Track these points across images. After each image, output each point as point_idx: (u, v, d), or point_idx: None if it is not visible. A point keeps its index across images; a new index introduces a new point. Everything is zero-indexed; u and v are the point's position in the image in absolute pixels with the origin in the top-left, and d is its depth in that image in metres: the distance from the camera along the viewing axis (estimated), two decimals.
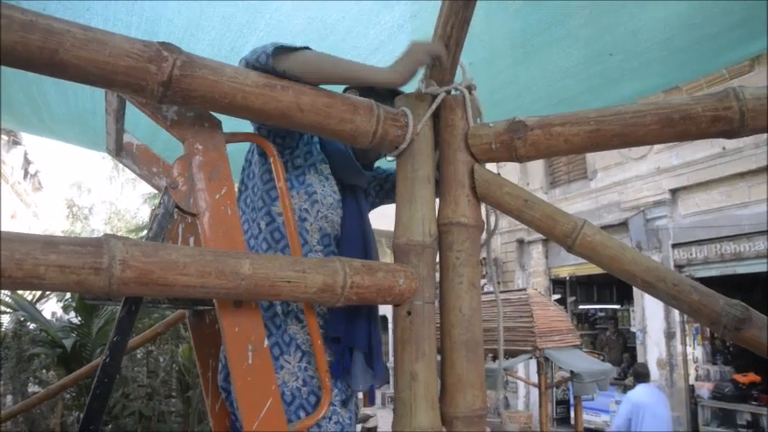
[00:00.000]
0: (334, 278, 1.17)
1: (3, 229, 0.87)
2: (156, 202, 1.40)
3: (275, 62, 1.21)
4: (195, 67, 1.10)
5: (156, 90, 1.08)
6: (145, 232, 1.62)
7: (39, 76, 2.14)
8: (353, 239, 1.48)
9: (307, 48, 1.27)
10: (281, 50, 1.23)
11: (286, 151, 1.47)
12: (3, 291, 5.44)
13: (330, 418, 1.36)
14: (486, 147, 1.37)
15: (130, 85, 1.06)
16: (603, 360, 6.01)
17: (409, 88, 1.45)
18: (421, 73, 1.48)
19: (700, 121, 1.24)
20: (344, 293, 1.19)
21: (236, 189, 1.61)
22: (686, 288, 1.23)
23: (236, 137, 1.35)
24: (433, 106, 1.40)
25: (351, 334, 1.40)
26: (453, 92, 1.44)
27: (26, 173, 26.52)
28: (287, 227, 1.36)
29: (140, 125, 2.09)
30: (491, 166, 1.46)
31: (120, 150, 1.66)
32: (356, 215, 1.54)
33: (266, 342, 1.20)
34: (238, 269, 1.05)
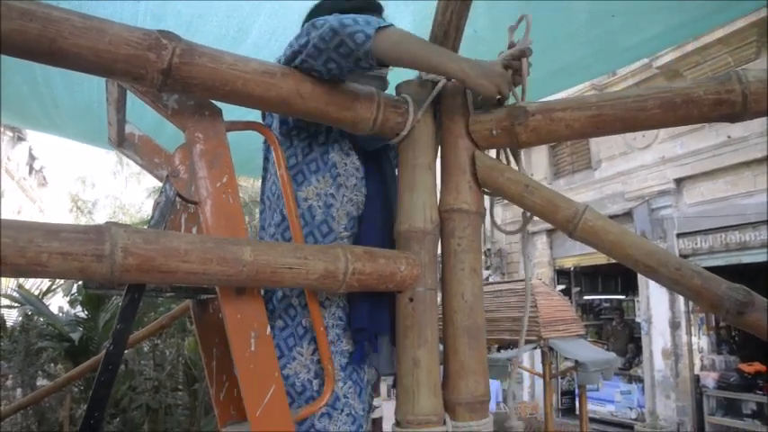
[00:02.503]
0: (335, 265, 1.18)
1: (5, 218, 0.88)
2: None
3: (375, 43, 1.17)
4: (195, 54, 1.11)
5: (155, 78, 1.08)
6: None
7: (45, 66, 2.15)
8: (373, 220, 1.45)
9: (390, 25, 1.22)
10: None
11: (311, 127, 1.44)
12: (10, 286, 5.48)
13: (342, 410, 1.36)
14: (486, 133, 1.37)
15: (130, 73, 1.07)
16: (608, 349, 6.01)
17: (410, 74, 1.44)
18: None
19: (702, 104, 1.23)
20: (346, 280, 1.19)
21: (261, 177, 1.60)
22: (688, 272, 1.23)
23: (236, 125, 1.35)
24: (434, 93, 1.39)
25: (375, 321, 1.39)
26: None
27: (31, 169, 26.61)
28: (288, 215, 1.36)
29: (146, 117, 2.10)
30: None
31: (122, 141, 1.66)
32: (379, 192, 1.48)
33: (268, 329, 1.21)
34: (240, 256, 1.06)
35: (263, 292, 1.40)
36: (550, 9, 1.97)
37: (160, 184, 1.67)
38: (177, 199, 1.22)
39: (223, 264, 1.04)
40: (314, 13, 1.49)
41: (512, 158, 1.43)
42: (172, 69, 1.08)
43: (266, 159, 1.55)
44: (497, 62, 1.31)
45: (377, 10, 1.51)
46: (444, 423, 1.27)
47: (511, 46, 1.35)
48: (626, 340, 9.97)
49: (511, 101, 1.38)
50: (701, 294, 1.23)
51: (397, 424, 1.27)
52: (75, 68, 1.04)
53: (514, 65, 1.32)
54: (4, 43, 0.93)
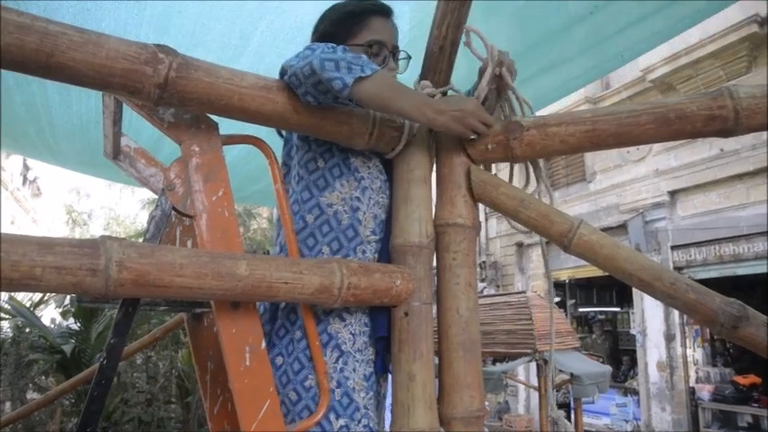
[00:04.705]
0: (331, 279, 1.17)
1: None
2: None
3: (352, 92, 1.18)
4: (191, 68, 1.11)
5: (152, 92, 1.08)
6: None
7: (43, 91, 2.15)
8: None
9: (373, 73, 1.21)
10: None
11: None
12: (1, 297, 5.43)
13: (360, 421, 1.33)
14: (482, 147, 1.37)
15: (127, 87, 1.07)
16: (603, 362, 5.99)
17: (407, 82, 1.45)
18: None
19: (695, 120, 1.25)
20: (341, 295, 1.19)
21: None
22: (682, 287, 1.23)
23: (232, 139, 1.35)
24: None
25: None
26: (450, 92, 1.45)
27: (25, 179, 26.52)
28: (284, 229, 1.35)
29: (144, 132, 2.10)
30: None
31: (117, 154, 1.66)
32: None
33: (263, 344, 1.20)
34: (235, 270, 1.05)
35: (283, 304, 1.39)
36: (541, 6, 1.98)
37: (154, 196, 1.66)
38: (173, 212, 1.21)
39: (218, 278, 1.03)
40: (323, 18, 1.50)
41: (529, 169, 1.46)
42: (168, 83, 1.08)
43: (285, 165, 1.53)
44: (470, 99, 1.32)
45: (381, 11, 1.49)
46: None
47: (482, 69, 1.37)
48: (607, 353, 9.88)
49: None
50: (696, 309, 1.24)
51: None
52: (72, 82, 1.04)
53: (500, 83, 1.35)
54: (2, 57, 0.93)
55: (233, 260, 1.07)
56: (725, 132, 1.25)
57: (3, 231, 0.89)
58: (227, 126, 1.32)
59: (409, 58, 1.54)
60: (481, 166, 1.43)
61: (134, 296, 1.06)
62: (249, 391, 1.16)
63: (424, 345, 1.28)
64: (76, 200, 22.79)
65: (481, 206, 1.43)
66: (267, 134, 1.45)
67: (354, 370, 1.34)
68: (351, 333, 1.36)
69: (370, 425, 1.34)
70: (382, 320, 1.37)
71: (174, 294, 1.01)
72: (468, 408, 1.29)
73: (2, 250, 0.85)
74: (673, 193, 8.13)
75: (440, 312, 1.35)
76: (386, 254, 1.41)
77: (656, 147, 8.13)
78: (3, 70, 0.99)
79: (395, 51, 1.50)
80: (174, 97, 1.11)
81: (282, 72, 1.27)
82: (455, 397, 1.29)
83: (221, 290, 1.05)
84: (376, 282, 1.24)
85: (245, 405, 1.16)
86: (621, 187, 8.87)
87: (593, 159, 9.39)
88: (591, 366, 4.33)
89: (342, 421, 1.30)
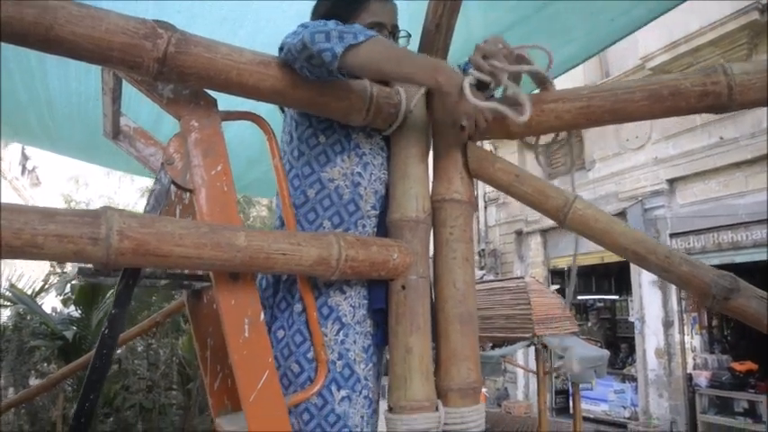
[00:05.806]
0: (329, 251, 1.19)
1: (2, 201, 0.89)
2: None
3: (343, 61, 1.18)
4: (190, 44, 1.12)
5: (151, 67, 1.09)
6: None
7: (42, 65, 2.15)
8: None
9: (367, 39, 1.19)
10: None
11: None
12: (2, 285, 5.46)
13: (361, 392, 1.35)
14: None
15: (126, 61, 1.08)
16: (601, 347, 6.02)
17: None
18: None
19: (689, 96, 1.26)
20: (339, 267, 1.21)
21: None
22: (676, 260, 1.25)
23: (231, 115, 1.36)
24: None
25: None
26: None
27: (24, 168, 26.47)
28: (282, 205, 1.37)
29: (143, 112, 2.11)
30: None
31: (117, 133, 1.67)
32: None
33: (262, 316, 1.22)
34: (234, 241, 1.07)
35: (285, 277, 1.40)
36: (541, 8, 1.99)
37: (154, 175, 1.67)
38: (172, 187, 1.22)
39: (217, 249, 1.05)
40: None
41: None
42: (167, 58, 1.09)
43: (286, 148, 1.53)
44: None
45: None
46: (437, 409, 1.28)
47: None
48: (603, 340, 9.90)
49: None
50: (690, 281, 1.26)
51: (390, 410, 1.29)
52: (72, 56, 1.05)
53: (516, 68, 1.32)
54: (2, 29, 0.94)
55: (232, 231, 1.08)
56: (718, 108, 1.26)
57: (5, 202, 0.90)
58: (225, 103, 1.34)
59: (409, 36, 1.54)
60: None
61: (134, 266, 1.08)
62: (248, 362, 1.18)
63: (420, 318, 1.30)
64: (75, 189, 22.76)
65: (480, 195, 1.45)
66: (266, 112, 1.47)
67: (355, 342, 1.36)
68: (351, 305, 1.37)
69: (370, 396, 1.36)
70: (379, 293, 1.38)
71: (174, 264, 1.03)
72: (465, 379, 1.31)
73: (5, 219, 0.87)
74: (672, 181, 8.14)
75: (437, 286, 1.36)
76: (384, 228, 1.42)
77: (655, 135, 8.14)
78: (3, 55, 1.00)
79: (394, 31, 1.51)
80: (174, 72, 1.12)
81: (280, 49, 1.28)
82: (452, 369, 1.31)
83: (220, 260, 1.06)
84: (373, 255, 1.26)
85: (243, 376, 1.17)
86: (620, 175, 8.88)
87: (593, 147, 9.39)
88: (588, 351, 4.35)
89: (343, 392, 1.32)
